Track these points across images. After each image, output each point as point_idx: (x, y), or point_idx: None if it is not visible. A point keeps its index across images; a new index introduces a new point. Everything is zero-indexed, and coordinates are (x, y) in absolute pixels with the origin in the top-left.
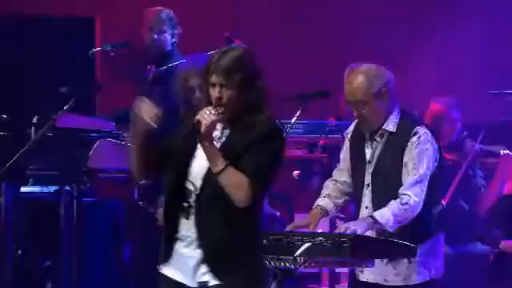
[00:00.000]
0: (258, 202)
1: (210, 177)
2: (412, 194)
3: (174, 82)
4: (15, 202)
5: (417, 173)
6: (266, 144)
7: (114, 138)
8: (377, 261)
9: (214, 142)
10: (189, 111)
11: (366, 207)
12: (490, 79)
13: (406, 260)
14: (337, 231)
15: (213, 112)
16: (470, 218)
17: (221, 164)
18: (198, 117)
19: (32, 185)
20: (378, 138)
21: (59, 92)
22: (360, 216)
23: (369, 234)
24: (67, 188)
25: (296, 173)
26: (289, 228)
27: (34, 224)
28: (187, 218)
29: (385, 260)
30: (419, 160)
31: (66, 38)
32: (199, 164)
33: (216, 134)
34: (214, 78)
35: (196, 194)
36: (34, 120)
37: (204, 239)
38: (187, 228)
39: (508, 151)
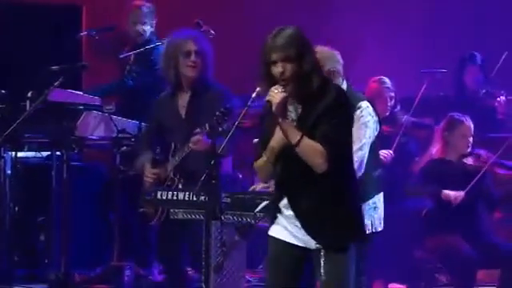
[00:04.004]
0: (342, 165)
1: (290, 152)
2: (354, 160)
3: (152, 62)
4: (12, 165)
5: (359, 141)
6: (334, 112)
7: (98, 110)
8: None
9: (291, 120)
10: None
11: None
12: (423, 59)
13: None
14: None
15: (279, 89)
16: (405, 179)
17: (296, 136)
18: (267, 97)
19: (27, 150)
20: None
21: (51, 70)
22: None
23: None
24: (58, 153)
25: (256, 140)
26: (251, 190)
27: (28, 184)
28: (284, 194)
29: None
30: (362, 130)
31: (57, 23)
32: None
33: (291, 113)
34: (274, 56)
35: (283, 170)
36: (29, 94)
37: (298, 212)
38: (285, 203)
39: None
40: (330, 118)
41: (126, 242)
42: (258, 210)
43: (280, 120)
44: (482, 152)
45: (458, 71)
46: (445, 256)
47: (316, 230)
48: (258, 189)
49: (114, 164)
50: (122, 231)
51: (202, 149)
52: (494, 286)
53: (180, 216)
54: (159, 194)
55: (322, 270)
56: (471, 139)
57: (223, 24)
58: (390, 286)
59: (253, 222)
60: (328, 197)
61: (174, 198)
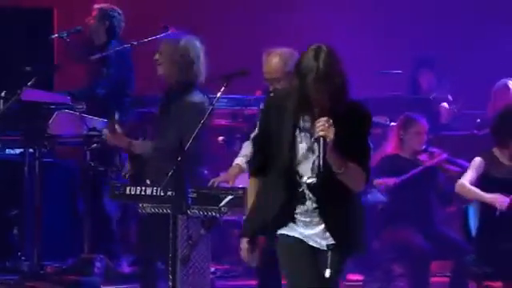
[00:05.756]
0: None
1: (320, 167)
2: None
3: (116, 64)
4: None
5: None
6: (360, 129)
7: (69, 109)
8: None
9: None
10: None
11: None
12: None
13: None
14: None
15: (329, 122)
16: None
17: (344, 165)
18: (320, 133)
19: (1, 147)
20: None
21: (24, 71)
22: None
23: None
24: (31, 150)
25: (221, 138)
26: (210, 183)
27: (2, 180)
28: (303, 204)
29: None
30: None
31: (29, 25)
32: (303, 154)
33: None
34: (318, 86)
35: (307, 183)
36: (2, 94)
37: (327, 219)
38: (304, 211)
39: (392, 123)
40: (359, 137)
41: (95, 235)
42: (222, 204)
43: (332, 154)
44: (435, 150)
45: (413, 73)
46: (400, 248)
47: (340, 235)
48: (217, 183)
49: (84, 160)
50: (91, 224)
51: (115, 144)
52: (446, 276)
53: (148, 210)
54: (128, 189)
55: (328, 269)
56: (425, 137)
57: (188, 26)
58: (349, 276)
59: (218, 215)
60: (351, 203)
61: (142, 193)
